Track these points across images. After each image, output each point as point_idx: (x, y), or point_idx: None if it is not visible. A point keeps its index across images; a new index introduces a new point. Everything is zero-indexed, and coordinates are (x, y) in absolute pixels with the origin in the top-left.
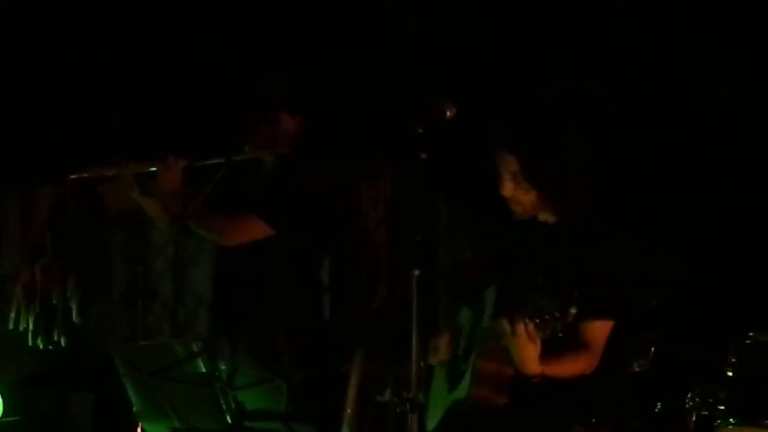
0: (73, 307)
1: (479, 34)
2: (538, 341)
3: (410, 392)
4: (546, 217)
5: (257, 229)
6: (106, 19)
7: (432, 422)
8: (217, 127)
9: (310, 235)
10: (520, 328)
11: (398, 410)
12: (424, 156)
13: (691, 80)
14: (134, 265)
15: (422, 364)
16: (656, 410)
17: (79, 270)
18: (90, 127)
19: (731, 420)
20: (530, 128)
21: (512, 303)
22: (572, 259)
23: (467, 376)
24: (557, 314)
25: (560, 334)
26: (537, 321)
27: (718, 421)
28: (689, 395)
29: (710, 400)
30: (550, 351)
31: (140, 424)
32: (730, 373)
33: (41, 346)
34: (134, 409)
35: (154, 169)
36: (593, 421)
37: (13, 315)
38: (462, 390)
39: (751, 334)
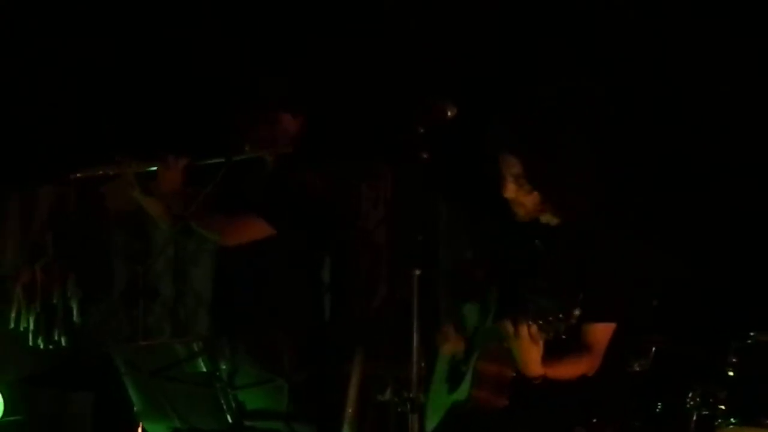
0: (74, 306)
1: (479, 34)
2: (541, 343)
3: (411, 392)
4: (548, 218)
5: (258, 229)
6: (106, 19)
7: (432, 423)
8: (218, 126)
9: (311, 235)
10: (523, 329)
11: (399, 410)
12: (424, 156)
13: (691, 80)
14: (135, 265)
15: (423, 364)
16: (657, 410)
17: (80, 270)
18: (90, 127)
19: (732, 420)
20: (532, 130)
21: (515, 304)
22: (574, 260)
23: (468, 378)
24: (561, 316)
25: (563, 336)
26: (540, 323)
27: (719, 421)
28: (690, 395)
29: (711, 399)
30: (552, 353)
31: (141, 424)
32: (730, 373)
33: (42, 346)
34: (135, 408)
35: (155, 168)
36: (594, 421)
37: (13, 315)
38: (462, 391)
39: (751, 333)
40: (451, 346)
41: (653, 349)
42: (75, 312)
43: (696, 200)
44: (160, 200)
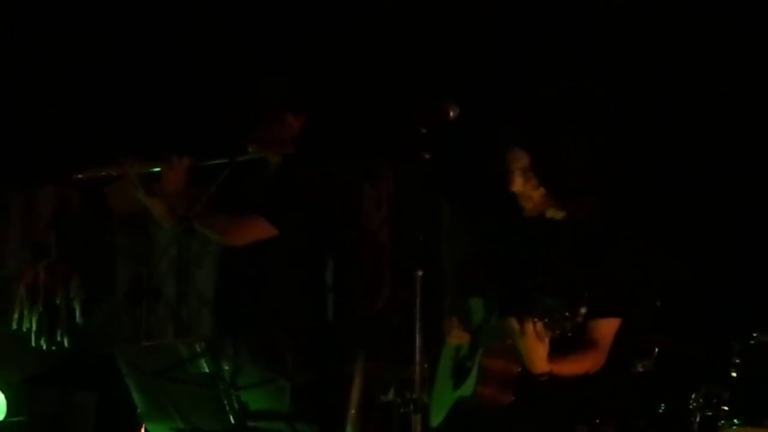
0: (77, 307)
1: (479, 34)
2: (547, 340)
3: (414, 393)
4: (554, 213)
5: (261, 230)
6: (106, 19)
7: (437, 419)
8: (219, 127)
9: (313, 235)
10: (529, 327)
11: (402, 411)
12: (426, 156)
13: (691, 80)
14: (138, 266)
15: (425, 365)
16: (660, 411)
17: (83, 270)
18: (92, 128)
19: (735, 420)
20: (540, 123)
21: (520, 302)
22: (580, 257)
23: (473, 374)
24: (567, 314)
25: (569, 334)
26: (546, 320)
27: (722, 422)
28: (693, 396)
29: (714, 400)
30: (557, 350)
31: (143, 425)
32: (734, 374)
33: (44, 347)
34: (138, 409)
35: (159, 169)
36: (597, 421)
37: (16, 315)
38: (468, 387)
39: (754, 334)
40: (456, 336)
41: (656, 349)
42: (78, 312)
43: (696, 200)
44: (164, 201)
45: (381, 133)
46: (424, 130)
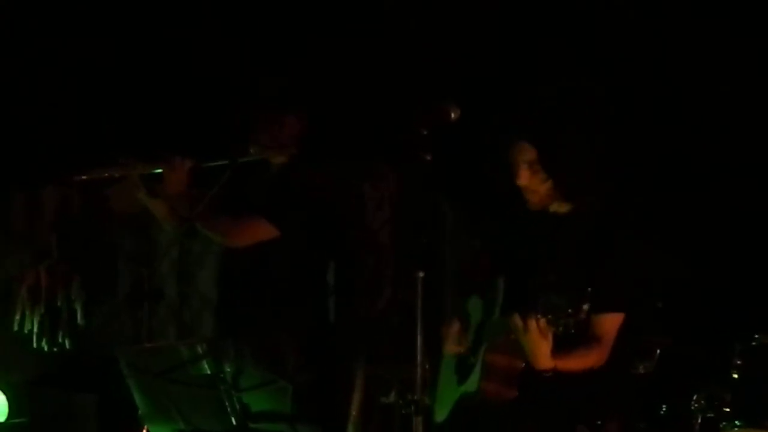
0: (78, 308)
1: (479, 34)
2: (550, 337)
3: (415, 394)
4: (557, 207)
5: (263, 231)
6: (106, 19)
7: (441, 415)
8: (219, 127)
9: (315, 236)
10: (533, 324)
11: (403, 412)
12: (427, 157)
13: (691, 80)
14: (139, 267)
15: (427, 366)
16: (661, 412)
17: (84, 272)
18: (93, 128)
19: (736, 422)
20: (547, 117)
21: (524, 299)
22: (582, 252)
23: (477, 369)
24: (570, 311)
25: (572, 331)
26: (549, 317)
27: (724, 423)
28: (694, 397)
29: (715, 402)
30: (561, 346)
31: (145, 427)
32: (735, 375)
33: (46, 348)
34: (139, 411)
35: (160, 170)
36: (598, 423)
37: (17, 317)
38: (472, 383)
39: (756, 336)
40: (453, 348)
41: (658, 350)
42: (79, 314)
43: (696, 200)
44: (165, 202)
45: (382, 134)
46: (425, 131)
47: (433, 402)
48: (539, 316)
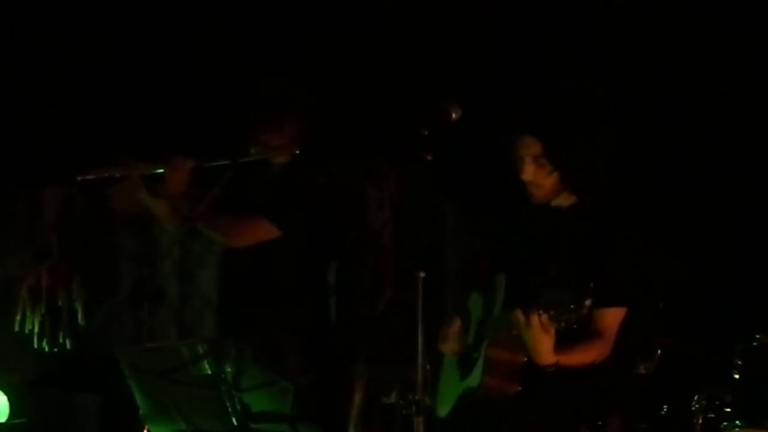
0: (79, 309)
1: (479, 34)
2: (552, 332)
3: (416, 394)
4: (560, 201)
5: (264, 231)
6: (107, 19)
7: (444, 410)
8: (220, 127)
9: (316, 236)
10: (535, 319)
11: (404, 412)
12: (428, 157)
13: (691, 80)
14: (140, 267)
15: (428, 366)
16: (662, 412)
17: (85, 272)
18: (95, 129)
19: (737, 422)
20: (551, 110)
21: (526, 294)
22: (584, 247)
23: (479, 364)
24: (572, 307)
25: (575, 326)
26: (552, 312)
27: (725, 424)
28: (695, 397)
29: (716, 402)
30: (563, 341)
31: (146, 427)
32: (736, 375)
33: (47, 349)
34: (140, 411)
35: (162, 170)
36: (599, 423)
37: (18, 317)
38: (474, 378)
39: (757, 336)
40: (451, 347)
41: (659, 351)
42: (80, 314)
43: (696, 200)
44: (167, 202)
45: (383, 134)
46: (426, 132)
47: (435, 398)
48: (541, 311)
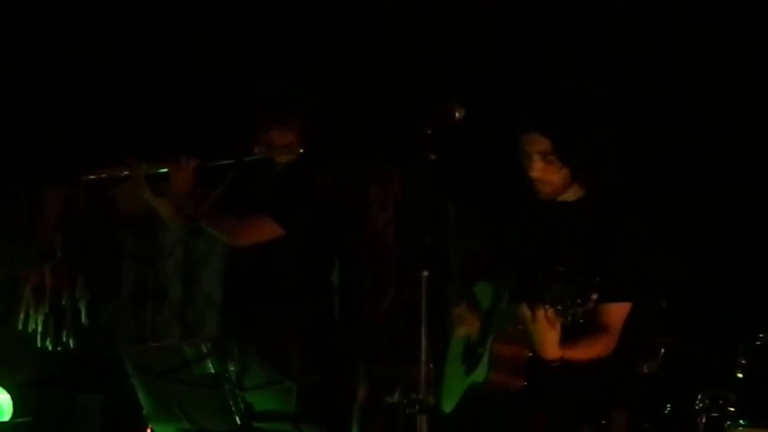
0: (82, 308)
1: (479, 34)
2: (558, 326)
3: (419, 394)
4: (567, 196)
5: (268, 230)
6: (107, 19)
7: (449, 406)
8: (221, 127)
9: (319, 236)
10: (541, 314)
11: (407, 412)
12: (431, 157)
13: (691, 80)
14: (144, 267)
15: (431, 365)
16: (666, 411)
17: (89, 271)
18: (99, 129)
19: (741, 422)
20: (559, 106)
21: (532, 289)
22: (590, 242)
23: (485, 359)
24: (579, 300)
25: (581, 320)
26: (558, 307)
27: (728, 423)
28: (699, 397)
29: (720, 401)
30: (569, 336)
31: (149, 426)
32: (739, 375)
33: (50, 348)
34: (143, 410)
35: (165, 170)
36: (602, 422)
37: (22, 316)
38: (480, 373)
39: (760, 335)
40: (464, 329)
41: (662, 350)
42: (83, 313)
43: (696, 200)
44: (171, 201)
45: (386, 134)
46: (429, 131)
47: (440, 393)
48: (548, 306)
